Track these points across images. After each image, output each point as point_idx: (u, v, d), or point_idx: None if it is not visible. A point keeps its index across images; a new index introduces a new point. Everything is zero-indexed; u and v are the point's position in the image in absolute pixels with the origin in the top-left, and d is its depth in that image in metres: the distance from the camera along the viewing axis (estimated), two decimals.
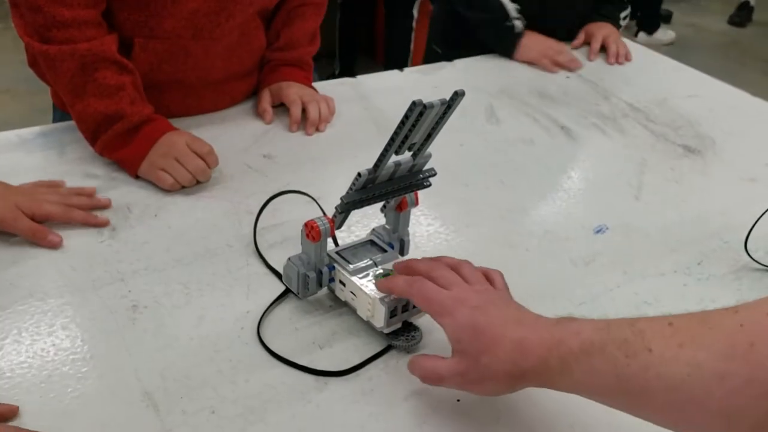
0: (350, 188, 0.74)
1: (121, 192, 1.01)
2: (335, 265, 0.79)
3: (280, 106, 1.26)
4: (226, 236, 0.94)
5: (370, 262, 0.79)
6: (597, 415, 0.68)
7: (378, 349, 0.77)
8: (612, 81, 1.55)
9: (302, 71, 1.30)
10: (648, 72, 1.62)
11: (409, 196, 0.81)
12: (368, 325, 0.79)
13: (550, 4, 1.66)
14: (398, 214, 0.83)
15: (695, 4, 5.16)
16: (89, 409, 0.69)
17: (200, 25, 1.10)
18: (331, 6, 1.34)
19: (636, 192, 1.13)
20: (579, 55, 1.66)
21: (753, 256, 0.95)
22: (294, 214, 0.98)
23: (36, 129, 1.15)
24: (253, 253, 0.91)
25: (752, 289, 0.92)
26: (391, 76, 1.50)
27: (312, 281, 0.79)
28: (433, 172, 0.79)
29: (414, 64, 2.69)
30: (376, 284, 0.75)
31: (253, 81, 1.29)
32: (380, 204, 0.81)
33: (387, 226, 0.85)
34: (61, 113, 1.20)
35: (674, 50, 4.19)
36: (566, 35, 1.71)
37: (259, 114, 1.25)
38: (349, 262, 0.79)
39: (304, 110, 1.22)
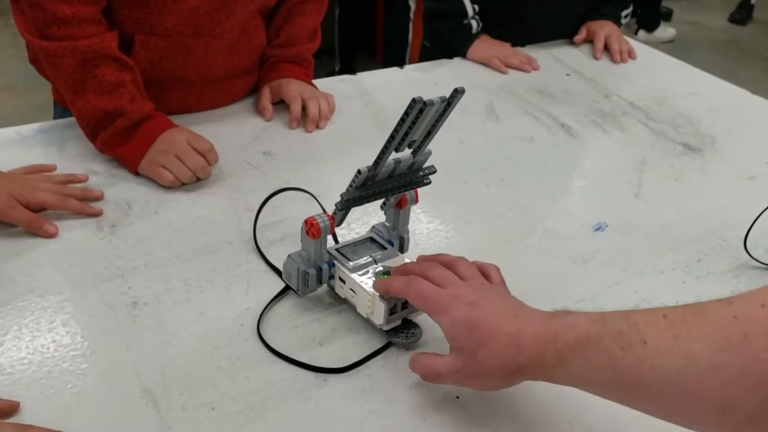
0: (350, 185, 0.74)
1: (121, 189, 1.01)
2: (335, 262, 0.79)
3: (280, 103, 1.26)
4: (226, 233, 0.94)
5: (370, 259, 0.79)
6: (596, 410, 0.69)
7: (377, 346, 0.77)
8: (612, 79, 1.55)
9: (302, 68, 1.30)
10: (648, 70, 1.62)
11: (409, 194, 0.81)
12: (368, 322, 0.79)
13: (548, 4, 1.65)
14: (398, 211, 0.83)
15: (696, 2, 5.16)
16: (89, 405, 0.69)
17: (201, 23, 1.10)
18: (331, 3, 1.34)
19: (636, 190, 1.13)
20: (582, 53, 1.66)
21: (752, 254, 0.96)
22: (294, 211, 0.98)
23: (36, 126, 1.15)
24: (253, 250, 0.91)
25: (751, 286, 0.91)
26: (391, 73, 1.50)
27: (312, 278, 0.79)
28: (433, 170, 0.79)
29: (412, 60, 2.69)
30: (373, 285, 0.75)
31: (254, 78, 1.29)
32: (380, 201, 0.81)
33: (387, 224, 0.85)
34: (61, 109, 1.20)
35: (674, 48, 4.19)
36: (565, 34, 1.71)
37: (259, 111, 1.25)
38: (348, 260, 0.79)
39: (304, 107, 1.22)
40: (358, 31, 3.57)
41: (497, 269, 0.74)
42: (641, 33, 4.40)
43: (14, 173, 0.96)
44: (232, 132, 1.19)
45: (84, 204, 0.95)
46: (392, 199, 0.82)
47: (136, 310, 0.80)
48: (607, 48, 1.66)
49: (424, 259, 0.76)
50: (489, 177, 1.13)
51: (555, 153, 1.23)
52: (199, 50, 1.14)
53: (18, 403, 0.67)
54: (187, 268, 0.87)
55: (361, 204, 0.76)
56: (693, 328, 0.53)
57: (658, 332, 0.54)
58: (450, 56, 1.58)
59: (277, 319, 0.80)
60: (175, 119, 1.09)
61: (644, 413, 0.57)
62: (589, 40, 1.69)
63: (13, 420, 0.66)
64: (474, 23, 1.57)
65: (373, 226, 0.86)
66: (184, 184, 1.03)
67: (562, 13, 1.70)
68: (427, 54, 1.63)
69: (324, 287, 0.83)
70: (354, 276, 0.77)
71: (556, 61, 1.61)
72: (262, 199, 0.98)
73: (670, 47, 4.19)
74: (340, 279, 0.79)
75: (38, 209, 0.92)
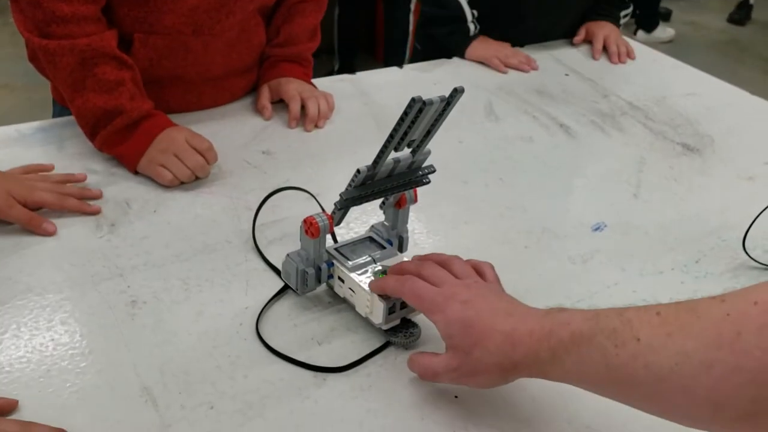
0: (349, 185, 0.74)
1: (120, 187, 1.01)
2: (334, 261, 0.79)
3: (280, 103, 1.26)
4: (225, 232, 0.94)
5: (369, 258, 0.79)
6: (596, 408, 0.69)
7: (376, 345, 0.77)
8: (611, 79, 1.55)
9: (302, 67, 1.30)
10: (647, 70, 1.62)
11: (408, 193, 0.81)
12: (367, 322, 0.79)
13: (545, 4, 1.65)
14: (397, 210, 0.83)
15: (694, 2, 5.16)
16: (88, 403, 0.69)
17: (200, 22, 1.10)
18: (330, 2, 1.34)
19: (634, 190, 1.13)
20: (581, 53, 1.66)
21: (751, 255, 0.96)
22: (293, 210, 0.98)
23: (35, 124, 1.15)
24: (252, 249, 0.91)
25: None
26: (391, 72, 1.50)
27: (311, 277, 0.79)
28: (432, 169, 0.79)
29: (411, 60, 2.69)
30: (369, 285, 0.75)
31: (253, 77, 1.29)
32: (379, 200, 0.81)
33: (386, 223, 0.85)
34: (60, 108, 1.20)
35: (673, 48, 4.19)
36: (563, 35, 1.71)
37: (258, 110, 1.25)
38: (347, 259, 0.79)
39: (303, 107, 1.22)
40: (357, 31, 3.57)
41: (491, 267, 0.74)
42: (640, 33, 4.40)
43: (12, 172, 0.96)
44: (232, 131, 1.19)
45: (82, 203, 0.95)
46: (391, 199, 0.82)
47: (135, 308, 0.80)
48: (605, 49, 1.66)
49: (418, 258, 0.77)
50: (488, 177, 1.13)
51: (554, 153, 1.23)
52: (198, 49, 1.14)
53: (17, 402, 0.67)
54: (186, 267, 0.87)
55: (360, 203, 0.76)
56: (686, 325, 0.53)
57: (651, 329, 0.54)
58: (449, 56, 1.58)
59: (276, 319, 0.80)
60: (175, 118, 1.09)
61: (638, 410, 0.57)
62: (589, 41, 1.69)
63: (11, 418, 0.66)
64: (472, 27, 1.57)
65: (372, 226, 0.86)
66: (183, 183, 1.02)
67: (560, 11, 1.70)
68: (418, 57, 1.63)
69: (323, 286, 0.83)
70: (353, 275, 0.77)
71: (555, 61, 1.61)
72: (261, 198, 0.98)
73: (669, 47, 4.19)
74: (339, 278, 0.79)
75: (36, 208, 0.92)
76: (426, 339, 0.78)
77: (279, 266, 0.84)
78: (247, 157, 1.12)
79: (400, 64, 1.53)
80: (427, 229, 0.99)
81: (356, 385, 0.73)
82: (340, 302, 0.82)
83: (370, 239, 0.83)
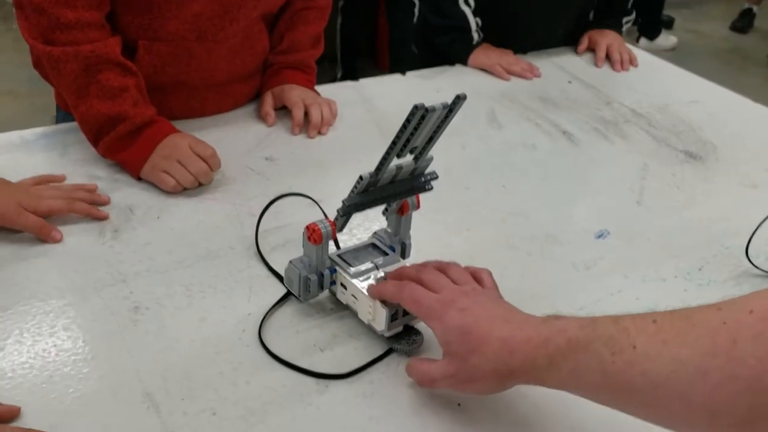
0: (352, 191, 0.74)
1: (123, 194, 1.01)
2: (336, 268, 0.79)
3: (283, 109, 1.27)
4: (228, 238, 0.94)
5: (372, 265, 0.79)
6: (600, 416, 0.68)
7: (379, 352, 0.77)
8: (614, 86, 1.55)
9: (305, 74, 1.30)
10: (650, 78, 1.63)
11: (410, 200, 0.81)
12: (369, 329, 0.79)
13: (543, 11, 1.65)
14: (400, 217, 0.83)
15: (697, 10, 5.16)
16: (90, 409, 0.69)
17: (204, 28, 1.11)
18: (333, 10, 1.35)
19: (637, 197, 1.13)
20: (584, 61, 1.66)
21: (754, 262, 0.95)
22: (296, 216, 0.98)
23: (38, 130, 1.15)
24: (255, 255, 0.91)
25: None
26: (394, 79, 1.50)
27: (313, 284, 0.79)
28: (434, 176, 0.79)
29: None
30: (367, 290, 0.75)
31: (256, 84, 1.30)
32: (382, 207, 0.81)
33: (388, 230, 0.85)
34: (64, 114, 1.20)
35: (676, 56, 4.19)
36: (562, 41, 1.72)
37: (261, 117, 1.25)
38: (350, 265, 0.79)
39: (306, 113, 1.23)
40: (359, 39, 3.57)
41: (489, 274, 0.74)
42: (643, 41, 4.40)
43: (23, 184, 0.96)
44: (235, 137, 1.19)
45: (91, 206, 0.95)
46: (394, 205, 0.82)
47: (137, 314, 0.80)
48: (608, 57, 1.66)
49: (417, 265, 0.77)
50: (491, 183, 1.13)
51: (556, 160, 1.23)
52: (202, 55, 1.14)
53: (19, 408, 0.67)
54: (189, 274, 0.87)
55: (363, 210, 0.76)
56: (682, 333, 0.53)
57: (647, 337, 0.55)
58: (451, 63, 1.58)
59: (279, 325, 0.80)
60: (178, 124, 1.09)
61: (634, 417, 0.57)
62: (592, 49, 1.70)
63: (14, 425, 0.66)
64: (476, 36, 1.58)
65: (375, 232, 0.86)
66: (186, 189, 1.03)
67: (559, 17, 1.69)
68: (416, 61, 1.63)
69: (325, 293, 0.83)
70: (355, 282, 0.77)
71: (558, 69, 1.61)
72: (264, 205, 0.98)
73: (671, 55, 4.20)
74: (342, 285, 0.79)
75: (46, 216, 0.92)
76: (429, 346, 0.78)
77: (282, 272, 0.84)
78: (251, 163, 1.12)
79: (407, 66, 1.53)
80: (430, 235, 0.99)
81: (359, 392, 0.73)
82: (342, 309, 0.82)
83: (373, 246, 0.83)
